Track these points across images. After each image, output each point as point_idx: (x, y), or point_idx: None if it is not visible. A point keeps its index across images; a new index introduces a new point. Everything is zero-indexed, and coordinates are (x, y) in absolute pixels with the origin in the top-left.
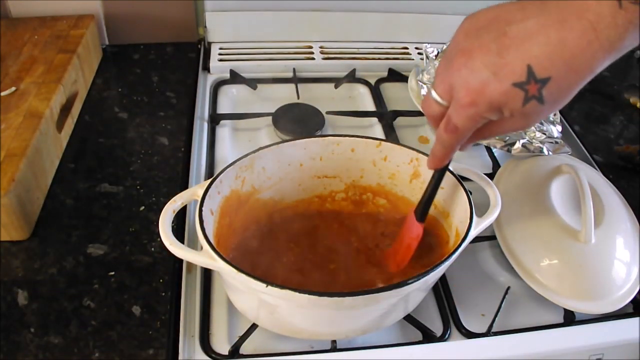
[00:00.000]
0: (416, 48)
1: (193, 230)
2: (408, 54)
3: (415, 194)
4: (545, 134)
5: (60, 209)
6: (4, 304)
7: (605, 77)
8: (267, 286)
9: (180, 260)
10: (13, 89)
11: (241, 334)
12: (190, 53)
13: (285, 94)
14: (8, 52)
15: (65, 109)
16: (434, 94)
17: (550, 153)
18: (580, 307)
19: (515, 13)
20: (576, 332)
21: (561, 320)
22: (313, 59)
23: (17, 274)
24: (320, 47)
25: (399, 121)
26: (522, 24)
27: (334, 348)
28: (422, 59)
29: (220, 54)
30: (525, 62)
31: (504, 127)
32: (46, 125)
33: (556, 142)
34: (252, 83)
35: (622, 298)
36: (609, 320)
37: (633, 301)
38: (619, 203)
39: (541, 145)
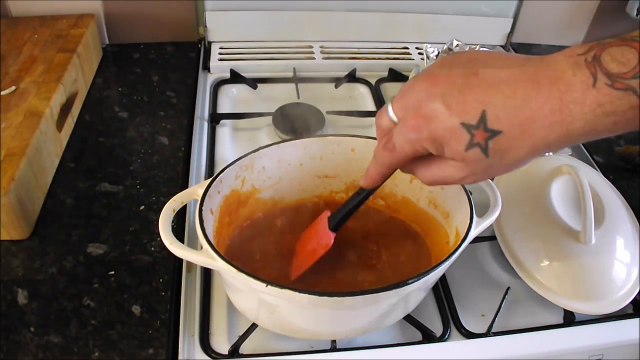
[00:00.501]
0: (417, 48)
1: (193, 229)
2: (408, 53)
3: (416, 194)
4: None
5: (60, 209)
6: (4, 303)
7: None
8: (267, 286)
9: (180, 260)
10: (13, 88)
11: (241, 334)
12: (191, 52)
13: (285, 94)
14: (8, 51)
15: (65, 109)
16: (389, 108)
17: (551, 153)
18: (580, 307)
19: (495, 59)
20: (576, 332)
21: (561, 321)
22: (313, 58)
23: (17, 274)
24: (321, 47)
25: None
26: (495, 70)
27: (333, 348)
28: (422, 59)
29: (220, 54)
30: (482, 106)
31: (443, 170)
32: (46, 125)
33: None
34: (252, 83)
35: (622, 299)
36: (609, 320)
37: (633, 302)
38: (619, 204)
39: None
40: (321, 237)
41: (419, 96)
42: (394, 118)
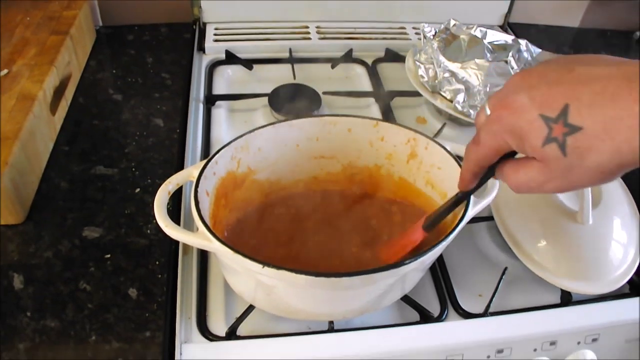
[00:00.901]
0: (413, 28)
1: (189, 212)
2: (405, 34)
3: (413, 174)
4: None
5: (55, 192)
6: (0, 288)
7: None
8: (263, 267)
9: (177, 242)
10: (5, 71)
11: (238, 316)
12: (185, 34)
13: (281, 75)
14: (1, 34)
15: (59, 92)
16: (486, 104)
17: None
18: (577, 287)
19: (598, 59)
20: (573, 312)
21: (558, 301)
22: (309, 39)
23: (13, 258)
24: (317, 27)
25: (396, 101)
26: (592, 68)
27: (331, 329)
28: (419, 39)
29: (215, 35)
30: (566, 100)
31: (527, 172)
32: (39, 108)
33: None
34: (248, 63)
35: (618, 279)
36: (606, 300)
37: (629, 282)
38: (617, 185)
39: None
40: (414, 234)
41: (509, 89)
42: (488, 112)
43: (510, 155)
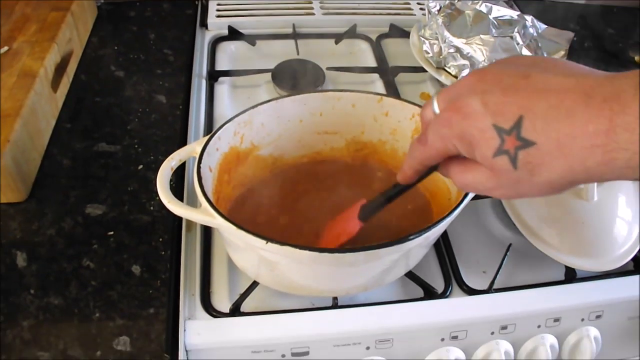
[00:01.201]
0: (418, 3)
1: (192, 188)
2: (410, 9)
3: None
4: None
5: (57, 170)
6: (3, 266)
7: (611, 35)
8: (267, 243)
9: (180, 219)
10: (6, 48)
11: (242, 292)
12: (188, 9)
13: (284, 50)
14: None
15: (60, 68)
16: (434, 99)
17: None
18: (581, 264)
19: (558, 66)
20: (577, 289)
21: (562, 278)
22: (313, 14)
23: (16, 236)
24: (321, 2)
25: (401, 77)
26: (550, 76)
27: (335, 305)
28: (424, 14)
29: (218, 10)
30: (520, 111)
31: (475, 176)
32: (41, 85)
33: None
34: (251, 39)
35: (623, 256)
36: (610, 277)
37: (634, 259)
38: None
39: None
40: (347, 224)
41: (461, 90)
42: (436, 110)
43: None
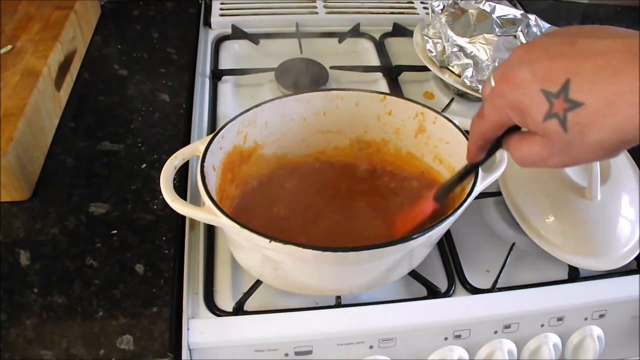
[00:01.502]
0: (422, 2)
1: (195, 187)
2: (413, 8)
3: (420, 149)
4: None
5: (60, 169)
6: (6, 265)
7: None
8: (270, 242)
9: (183, 218)
10: (9, 47)
11: (245, 291)
12: (191, 8)
13: (288, 49)
14: (3, 9)
15: (64, 67)
16: (491, 75)
17: None
18: (584, 263)
19: (603, 31)
20: (580, 288)
21: (565, 277)
22: (317, 13)
23: (19, 235)
24: (324, 1)
25: (404, 76)
26: (596, 40)
27: (338, 304)
28: (427, 13)
29: (221, 9)
30: (567, 74)
31: (531, 147)
32: (44, 84)
33: None
34: (255, 38)
35: (626, 255)
36: (613, 277)
37: (637, 258)
38: (626, 161)
39: None
40: (424, 205)
41: (512, 62)
42: (493, 85)
43: (516, 127)
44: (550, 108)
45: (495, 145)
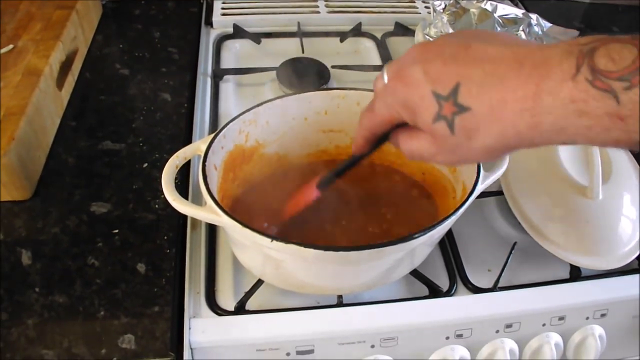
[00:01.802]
0: (423, 1)
1: (197, 186)
2: (415, 7)
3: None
4: None
5: (62, 168)
6: (8, 264)
7: (615, 33)
8: (272, 241)
9: (185, 217)
10: (10, 46)
11: (247, 290)
12: (192, 8)
13: (289, 49)
14: (4, 9)
15: (65, 67)
16: (384, 70)
17: None
18: (586, 262)
19: (498, 38)
20: (582, 287)
21: (567, 276)
22: (318, 12)
23: (20, 234)
24: (326, 1)
25: None
26: (488, 46)
27: (340, 303)
28: (429, 12)
29: (223, 8)
30: (458, 78)
31: (420, 143)
32: (46, 83)
33: None
34: (256, 37)
35: (628, 254)
36: (615, 276)
37: (638, 257)
38: (627, 160)
39: None
40: (306, 191)
41: (406, 60)
42: (386, 81)
43: (405, 123)
44: (439, 110)
45: (382, 138)
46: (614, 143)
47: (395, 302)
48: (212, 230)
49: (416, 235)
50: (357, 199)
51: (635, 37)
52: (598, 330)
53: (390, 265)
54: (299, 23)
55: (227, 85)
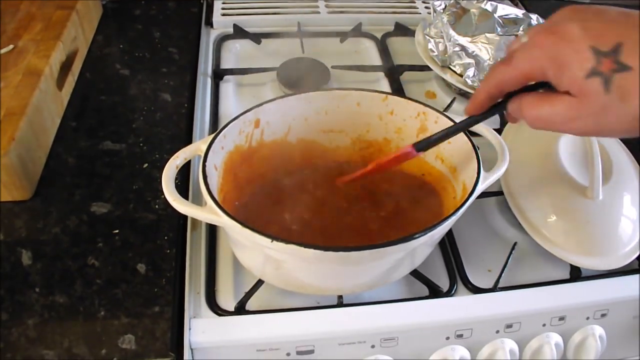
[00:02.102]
0: (423, 2)
1: (197, 186)
2: (415, 7)
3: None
4: None
5: (62, 168)
6: (8, 264)
7: None
8: (272, 241)
9: (185, 217)
10: (11, 46)
11: (247, 290)
12: (193, 8)
13: (289, 49)
14: (5, 9)
15: (66, 67)
16: (525, 33)
17: None
18: (586, 263)
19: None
20: (582, 287)
21: (567, 276)
22: (318, 12)
23: (21, 234)
24: (326, 1)
25: (406, 76)
26: None
27: (340, 303)
28: (429, 13)
29: (223, 8)
30: (619, 38)
31: (553, 106)
32: (46, 83)
33: None
34: (256, 38)
35: (628, 254)
36: (615, 276)
37: (639, 258)
38: (627, 160)
39: None
40: (401, 149)
41: (558, 19)
42: (525, 40)
43: (531, 89)
44: (596, 65)
45: (499, 105)
46: None
47: (395, 303)
48: (213, 231)
49: (416, 236)
50: (357, 199)
51: None
52: (598, 330)
53: (390, 266)
54: (299, 23)
55: (228, 86)
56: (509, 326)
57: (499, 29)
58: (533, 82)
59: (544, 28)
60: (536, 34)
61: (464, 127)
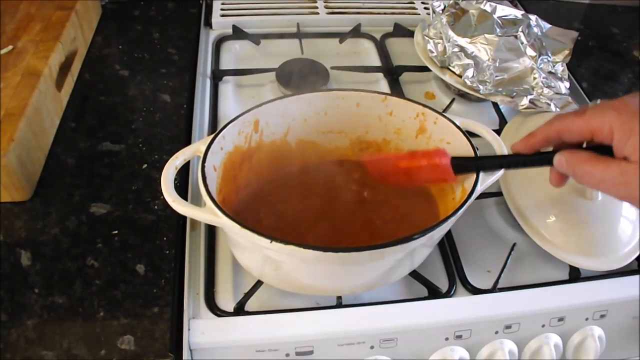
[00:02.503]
0: (422, 2)
1: (196, 187)
2: (414, 8)
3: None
4: (553, 90)
5: (61, 169)
6: (7, 265)
7: (615, 34)
8: (271, 242)
9: (184, 218)
10: (10, 47)
11: (246, 291)
12: (192, 8)
13: (289, 50)
14: (4, 10)
15: (65, 68)
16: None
17: (558, 109)
18: (585, 263)
19: None
20: (581, 288)
21: (566, 277)
22: (317, 13)
23: (20, 235)
24: (325, 2)
25: (405, 77)
26: None
27: (339, 304)
28: (428, 13)
29: (222, 9)
30: None
31: (608, 169)
32: (45, 84)
33: (564, 99)
34: (255, 38)
35: (627, 255)
36: (614, 277)
37: (638, 258)
38: None
39: (549, 102)
40: (443, 173)
41: (632, 99)
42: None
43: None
44: None
45: (547, 153)
46: None
47: (394, 303)
48: (212, 231)
49: (416, 236)
50: (357, 199)
51: None
52: (597, 331)
53: (389, 266)
54: (298, 24)
55: (227, 86)
56: (508, 327)
57: (498, 30)
58: (591, 141)
59: (620, 99)
60: (613, 101)
61: (508, 165)
